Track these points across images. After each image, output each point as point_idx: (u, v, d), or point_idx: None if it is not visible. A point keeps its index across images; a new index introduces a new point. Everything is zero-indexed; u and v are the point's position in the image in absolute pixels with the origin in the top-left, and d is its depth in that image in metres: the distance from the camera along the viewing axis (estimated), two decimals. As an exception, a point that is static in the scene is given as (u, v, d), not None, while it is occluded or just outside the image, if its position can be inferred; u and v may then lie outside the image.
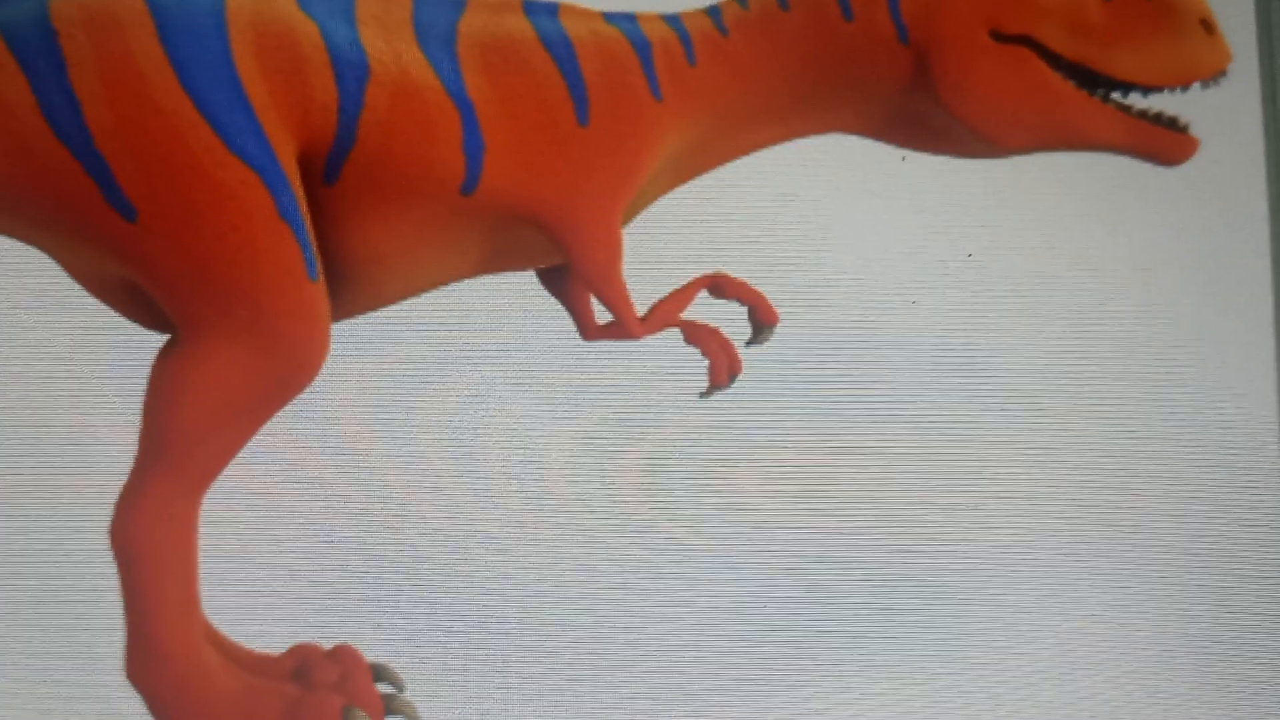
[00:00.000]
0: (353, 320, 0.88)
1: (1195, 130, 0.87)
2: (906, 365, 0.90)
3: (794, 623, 0.89)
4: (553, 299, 0.90)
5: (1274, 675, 0.92)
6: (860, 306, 0.90)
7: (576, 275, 0.88)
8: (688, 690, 0.89)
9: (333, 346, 0.83)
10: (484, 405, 0.88)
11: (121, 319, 0.86)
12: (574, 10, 0.87)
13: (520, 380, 0.90)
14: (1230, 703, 0.92)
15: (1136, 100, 0.87)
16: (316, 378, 0.83)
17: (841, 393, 0.91)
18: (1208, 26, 0.87)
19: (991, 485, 0.90)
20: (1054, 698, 0.91)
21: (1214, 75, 0.86)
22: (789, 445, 0.89)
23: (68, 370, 0.85)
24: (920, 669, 0.90)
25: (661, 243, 0.89)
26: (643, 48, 0.85)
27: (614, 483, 0.88)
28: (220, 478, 0.80)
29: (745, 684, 0.89)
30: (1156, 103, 0.87)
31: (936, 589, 0.89)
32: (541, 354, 0.89)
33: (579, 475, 0.87)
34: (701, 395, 0.87)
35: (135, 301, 0.82)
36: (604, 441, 0.86)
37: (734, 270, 0.89)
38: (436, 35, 0.83)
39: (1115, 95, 0.88)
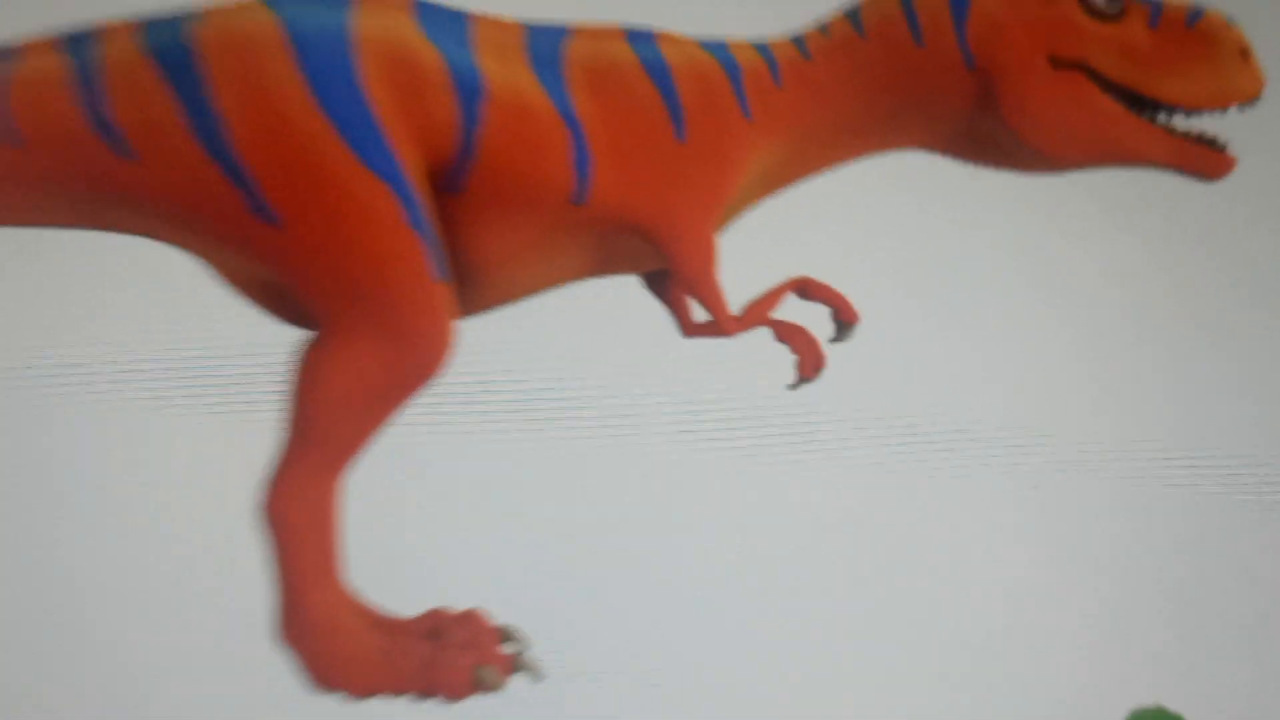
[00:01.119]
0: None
1: (1233, 149, 0.89)
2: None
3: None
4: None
5: None
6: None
7: (676, 278, 0.90)
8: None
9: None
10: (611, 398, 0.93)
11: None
12: (671, 37, 0.89)
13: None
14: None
15: (1180, 121, 0.89)
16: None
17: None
18: (1244, 55, 0.89)
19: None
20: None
21: (1251, 99, 0.89)
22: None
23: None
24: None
25: (754, 248, 0.90)
26: (733, 72, 0.88)
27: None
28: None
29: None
30: (1198, 124, 0.89)
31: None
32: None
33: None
34: (790, 388, 0.89)
35: (279, 301, 0.85)
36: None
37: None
38: (546, 60, 0.86)
39: (1161, 116, 0.90)
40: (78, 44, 0.82)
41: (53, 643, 0.85)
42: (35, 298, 0.87)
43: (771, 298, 0.90)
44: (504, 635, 0.84)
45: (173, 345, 0.85)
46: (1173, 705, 0.87)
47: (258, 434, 0.83)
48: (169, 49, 0.81)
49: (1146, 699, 0.87)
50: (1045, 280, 0.90)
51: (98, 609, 0.84)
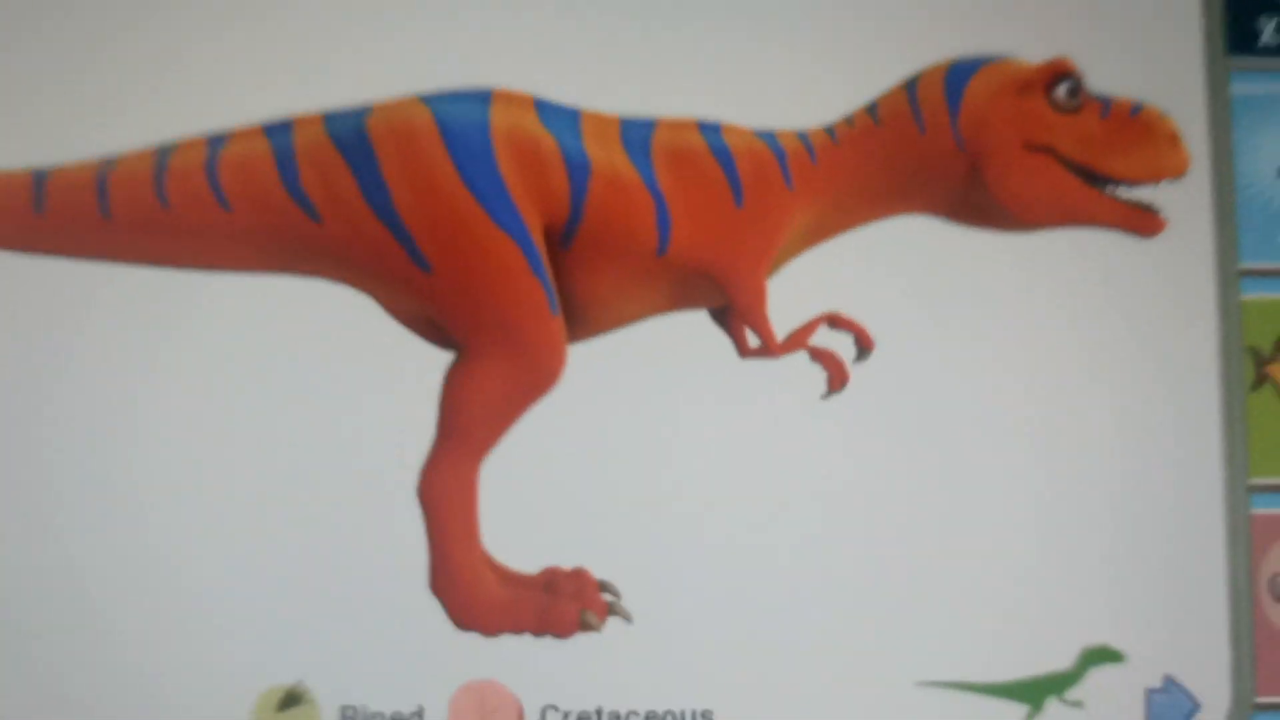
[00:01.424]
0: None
1: (1164, 213, 1.01)
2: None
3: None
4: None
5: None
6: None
7: (735, 312, 1.00)
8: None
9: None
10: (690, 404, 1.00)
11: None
12: (732, 128, 1.00)
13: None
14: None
15: (1124, 191, 1.01)
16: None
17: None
18: (1173, 140, 1.00)
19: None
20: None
21: (1178, 174, 1.00)
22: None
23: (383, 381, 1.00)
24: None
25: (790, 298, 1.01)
26: (780, 153, 1.00)
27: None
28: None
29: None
30: (1138, 194, 1.01)
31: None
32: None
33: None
34: (822, 397, 1.00)
35: (431, 330, 0.98)
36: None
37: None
38: (637, 145, 0.99)
39: (1109, 188, 1.01)
40: (276, 131, 0.97)
41: (265, 594, 0.98)
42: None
43: (808, 328, 1.00)
44: (603, 587, 0.98)
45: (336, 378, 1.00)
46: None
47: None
48: (347, 134, 0.97)
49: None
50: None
51: (303, 568, 0.98)
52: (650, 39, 1.03)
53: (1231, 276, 1.03)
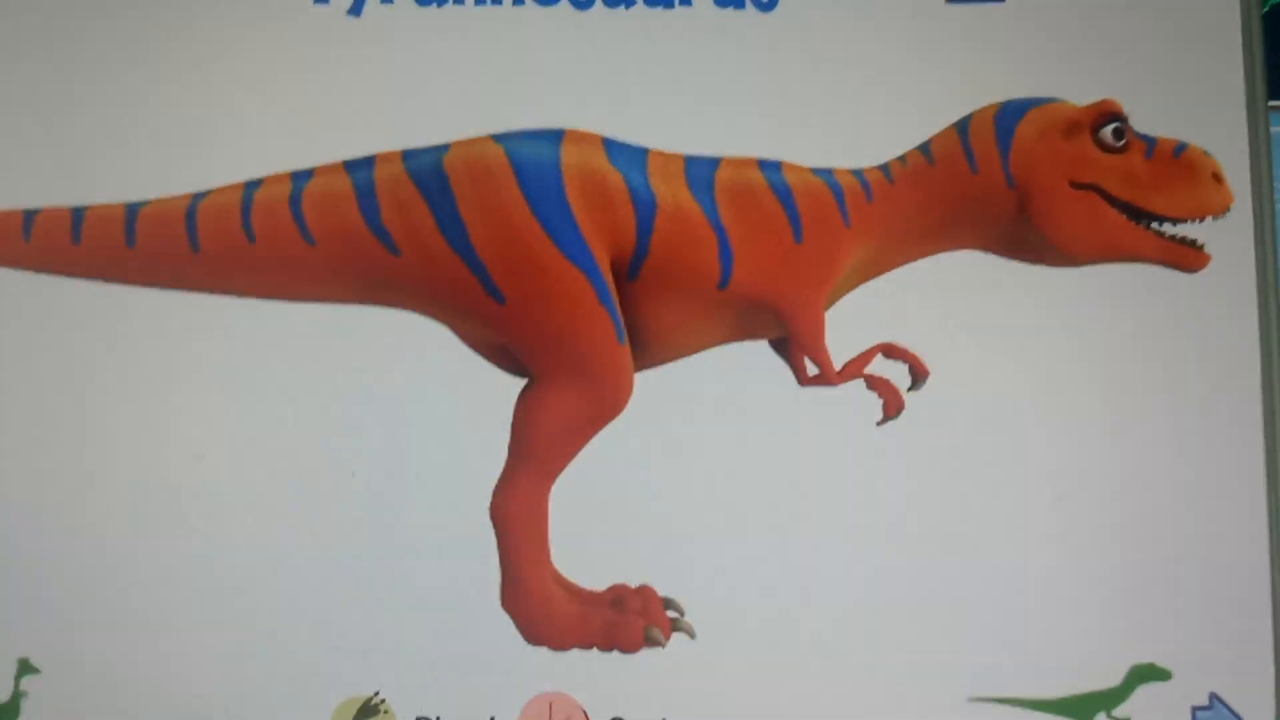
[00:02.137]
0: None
1: (1207, 249, 1.02)
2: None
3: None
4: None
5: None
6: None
7: (794, 343, 1.01)
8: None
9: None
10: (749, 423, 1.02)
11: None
12: (792, 166, 1.02)
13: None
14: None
15: (1168, 228, 1.02)
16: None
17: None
18: (1217, 179, 1.01)
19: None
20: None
21: (1221, 212, 1.02)
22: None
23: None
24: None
25: (847, 329, 1.02)
26: (837, 191, 1.01)
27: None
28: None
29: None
30: (1181, 230, 1.02)
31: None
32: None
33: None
34: (878, 424, 1.01)
35: (504, 357, 1.00)
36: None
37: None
38: (700, 183, 1.01)
39: (1154, 224, 1.02)
40: (357, 167, 1.00)
41: (341, 603, 1.00)
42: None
43: (865, 357, 1.02)
44: (668, 604, 0.99)
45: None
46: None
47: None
48: (425, 171, 0.99)
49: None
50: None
51: (380, 585, 1.00)
52: (713, 82, 1.06)
53: (1273, 310, 1.04)
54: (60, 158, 1.04)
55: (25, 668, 0.99)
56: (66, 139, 1.05)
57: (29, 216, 1.02)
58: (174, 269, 1.01)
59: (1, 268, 1.02)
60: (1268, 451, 1.02)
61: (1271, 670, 1.00)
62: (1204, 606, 1.01)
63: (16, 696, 0.98)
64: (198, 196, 1.02)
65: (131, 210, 1.01)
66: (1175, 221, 1.03)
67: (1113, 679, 1.00)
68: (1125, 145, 1.03)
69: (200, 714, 0.99)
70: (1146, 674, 1.00)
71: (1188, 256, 1.03)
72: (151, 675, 0.99)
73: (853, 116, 1.05)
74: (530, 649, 0.99)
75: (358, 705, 0.99)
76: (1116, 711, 0.99)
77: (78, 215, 1.02)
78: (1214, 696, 1.00)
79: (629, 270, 1.00)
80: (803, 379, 1.03)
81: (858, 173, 1.04)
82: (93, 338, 1.03)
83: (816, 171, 1.03)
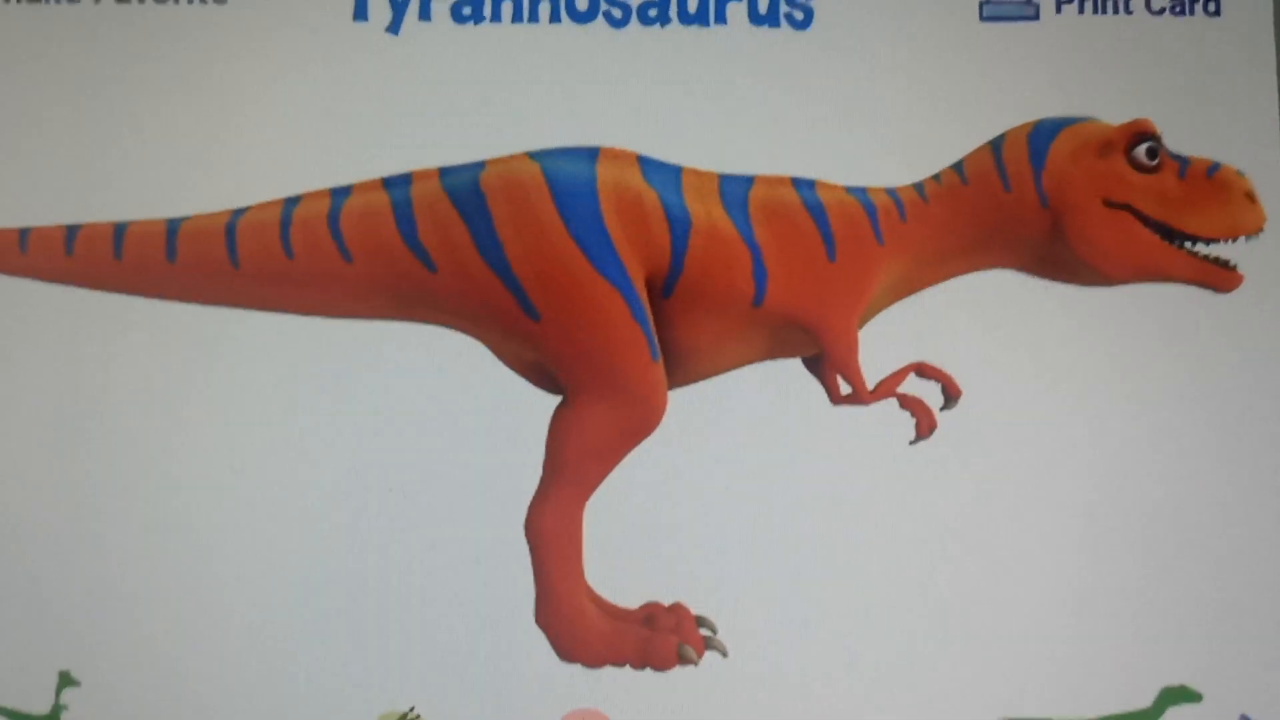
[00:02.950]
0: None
1: (1240, 269, 1.01)
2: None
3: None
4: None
5: None
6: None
7: (828, 361, 1.00)
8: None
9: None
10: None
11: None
12: (825, 184, 1.01)
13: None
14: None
15: (1201, 248, 1.01)
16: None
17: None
18: (1250, 198, 1.00)
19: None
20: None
21: (1255, 232, 1.00)
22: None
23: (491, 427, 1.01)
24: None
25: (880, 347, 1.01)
26: (870, 209, 1.00)
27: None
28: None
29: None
30: (1215, 250, 1.01)
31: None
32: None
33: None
34: (911, 442, 1.00)
35: (539, 374, 1.00)
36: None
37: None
38: (734, 201, 1.00)
39: (1187, 244, 1.00)
40: (395, 184, 1.00)
41: (379, 617, 1.00)
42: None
43: (897, 376, 1.01)
44: (701, 623, 0.98)
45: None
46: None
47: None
48: (462, 189, 0.99)
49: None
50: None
51: (416, 601, 1.00)
52: (748, 100, 1.05)
53: (1306, 330, 1.02)
54: (96, 173, 1.04)
55: (66, 680, 0.98)
56: (101, 155, 1.04)
57: (71, 232, 1.01)
58: (214, 285, 1.01)
59: (44, 282, 1.02)
60: (1300, 474, 1.01)
61: (1304, 692, 0.99)
62: (1236, 629, 0.99)
63: (57, 709, 0.98)
64: (237, 213, 1.01)
65: (172, 226, 1.01)
66: (1208, 241, 1.01)
67: (1143, 700, 0.98)
68: (1158, 165, 1.01)
69: (239, 727, 0.99)
70: (1177, 696, 0.98)
71: (1220, 276, 1.02)
72: (190, 689, 0.99)
73: (887, 135, 1.04)
74: (563, 666, 0.98)
75: (394, 719, 0.98)
76: (1148, 732, 0.98)
77: (120, 231, 1.01)
78: (1245, 718, 0.98)
79: (663, 288, 0.99)
80: (835, 397, 1.02)
81: (891, 191, 1.03)
82: (133, 354, 1.02)
83: (850, 190, 1.02)
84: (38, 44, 1.05)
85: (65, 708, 0.98)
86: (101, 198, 1.03)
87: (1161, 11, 1.06)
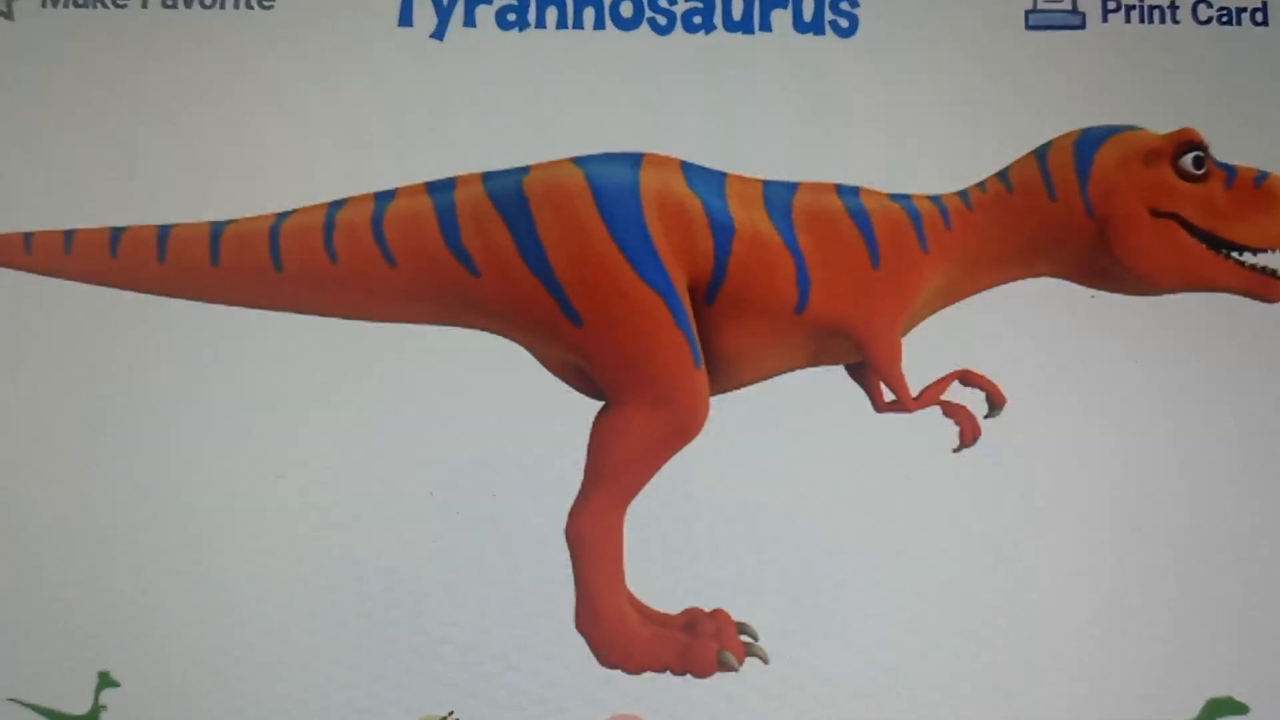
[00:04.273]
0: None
1: None
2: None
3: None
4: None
5: None
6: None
7: (871, 369, 0.99)
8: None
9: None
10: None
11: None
12: (870, 191, 0.99)
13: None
14: None
15: (1248, 257, 0.98)
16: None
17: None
18: None
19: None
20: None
21: None
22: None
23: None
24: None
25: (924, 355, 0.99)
26: (915, 216, 0.98)
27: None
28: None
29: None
30: (1262, 259, 0.98)
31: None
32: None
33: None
34: (954, 451, 0.98)
35: (581, 379, 0.98)
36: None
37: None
38: (778, 208, 0.98)
39: (1234, 254, 0.98)
40: (439, 189, 0.98)
41: (412, 620, 0.98)
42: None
43: (941, 384, 0.99)
44: (741, 629, 0.97)
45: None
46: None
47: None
48: (505, 194, 0.97)
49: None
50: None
51: (456, 606, 0.98)
52: (792, 107, 1.03)
53: (1353, 340, 0.99)
54: (143, 177, 1.03)
55: (106, 681, 0.96)
56: (149, 159, 1.03)
57: (116, 234, 0.99)
58: (257, 288, 0.99)
59: (88, 283, 1.00)
60: (1346, 484, 0.98)
61: (1352, 706, 0.96)
62: (1284, 640, 0.96)
63: (96, 709, 0.96)
64: (281, 216, 0.99)
65: (216, 229, 0.99)
66: (1256, 251, 0.99)
67: (1189, 711, 0.95)
68: (1205, 174, 0.99)
69: (277, 730, 0.97)
70: (1224, 707, 0.96)
71: (1268, 286, 1.00)
72: (230, 692, 0.97)
73: (932, 143, 1.02)
74: (603, 671, 0.96)
75: (432, 723, 0.96)
76: (1193, 745, 0.95)
77: (164, 234, 0.99)
78: (1292, 731, 0.95)
79: (706, 294, 0.97)
80: (879, 405, 1.00)
81: (936, 199, 1.00)
82: (178, 358, 1.01)
83: (894, 197, 1.00)
84: (84, 49, 1.04)
85: (105, 708, 0.96)
86: (145, 201, 1.01)
87: (1208, 21, 1.04)
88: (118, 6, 1.04)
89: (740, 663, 0.96)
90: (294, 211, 0.99)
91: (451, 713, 0.96)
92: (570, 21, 1.04)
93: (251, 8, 1.04)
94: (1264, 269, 0.99)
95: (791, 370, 1.00)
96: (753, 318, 0.97)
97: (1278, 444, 0.99)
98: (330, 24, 1.04)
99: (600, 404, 0.98)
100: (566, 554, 0.96)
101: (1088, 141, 1.00)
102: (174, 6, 1.04)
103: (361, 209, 0.98)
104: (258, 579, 0.98)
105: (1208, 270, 0.99)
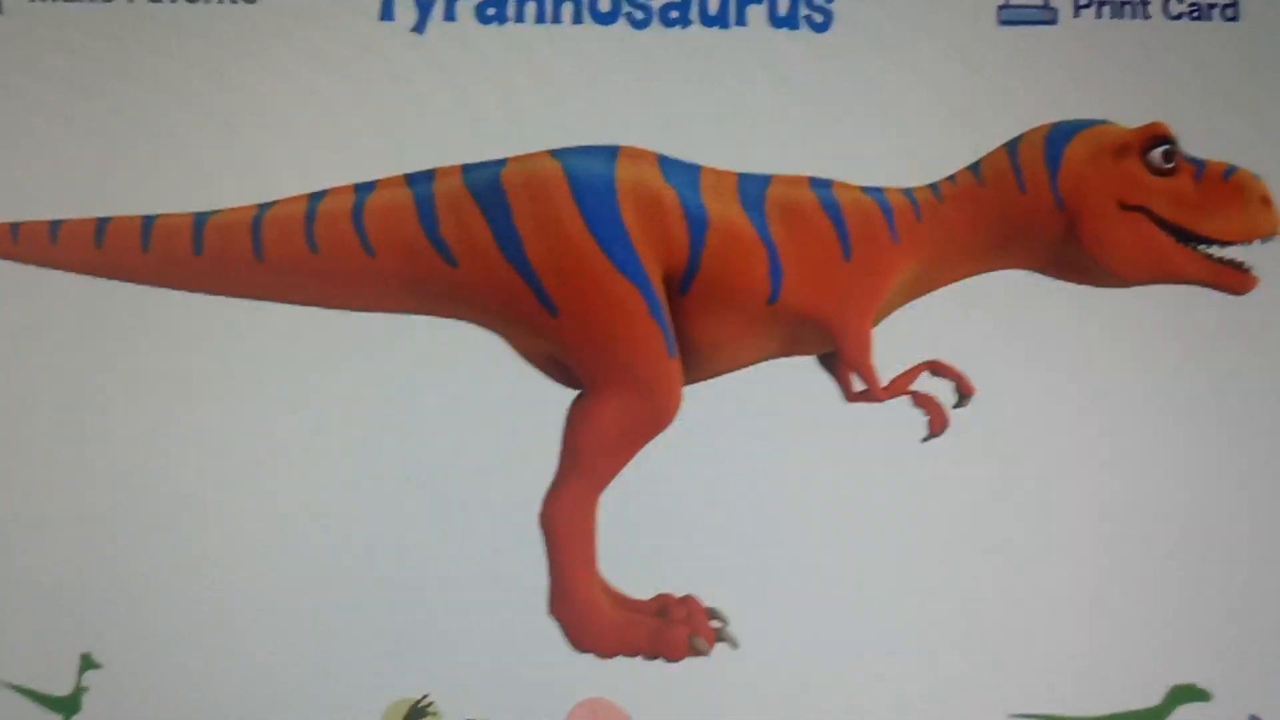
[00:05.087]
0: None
1: (1254, 271, 0.98)
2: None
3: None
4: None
5: None
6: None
7: (842, 359, 0.98)
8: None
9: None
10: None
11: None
12: (841, 184, 0.99)
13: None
14: None
15: (1216, 250, 0.98)
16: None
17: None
18: (1266, 202, 0.98)
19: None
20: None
21: (1271, 235, 0.98)
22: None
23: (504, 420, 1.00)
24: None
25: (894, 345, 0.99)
26: (886, 209, 0.98)
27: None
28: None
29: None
30: (1230, 252, 0.98)
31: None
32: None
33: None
34: (923, 440, 0.98)
35: (556, 368, 0.98)
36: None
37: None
38: (752, 200, 0.98)
39: (1202, 246, 0.98)
40: (418, 180, 0.98)
41: (397, 609, 0.98)
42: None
43: (911, 374, 0.99)
44: (711, 614, 0.97)
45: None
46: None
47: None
48: (483, 185, 0.97)
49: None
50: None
51: (431, 591, 0.98)
52: (767, 100, 1.03)
53: (1319, 332, 0.99)
54: (128, 168, 1.03)
55: (88, 663, 0.97)
56: (134, 150, 1.03)
57: (101, 224, 1.00)
58: (239, 278, 0.99)
59: (74, 273, 1.00)
60: (1313, 473, 0.98)
61: (1313, 694, 0.96)
62: (1245, 629, 0.97)
63: (78, 690, 0.96)
64: (263, 207, 1.00)
65: (199, 220, 0.99)
66: (1223, 244, 0.99)
67: (1153, 698, 0.96)
68: (1174, 168, 0.99)
69: (255, 713, 0.97)
70: (1186, 694, 0.96)
71: (1235, 278, 1.00)
72: (208, 674, 0.97)
73: (904, 136, 1.02)
74: (576, 655, 0.96)
75: (407, 707, 0.96)
76: (1156, 731, 0.95)
77: (148, 224, 1.00)
78: (1254, 718, 0.95)
79: (680, 284, 0.97)
80: (849, 394, 1.00)
81: (908, 192, 1.01)
82: (154, 345, 1.01)
83: (866, 190, 1.00)
84: (69, 43, 1.05)
85: (86, 689, 0.97)
86: (130, 192, 1.02)
87: (1179, 16, 1.04)
88: (105, 0, 1.04)
89: (710, 647, 0.96)
90: (276, 203, 1.00)
91: (426, 696, 0.96)
92: (549, 16, 1.04)
93: (236, 2, 1.04)
94: (1231, 261, 0.99)
95: (764, 360, 1.00)
96: (726, 308, 0.97)
97: (1244, 435, 0.99)
98: (313, 18, 1.04)
99: (575, 392, 0.98)
100: (541, 540, 0.97)
101: (1058, 135, 1.00)
102: (160, 1, 1.04)
103: (342, 200, 0.99)
104: (237, 564, 0.98)
105: (1176, 262, 0.99)
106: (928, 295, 1.02)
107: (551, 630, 0.96)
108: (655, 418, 0.96)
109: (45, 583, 0.99)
